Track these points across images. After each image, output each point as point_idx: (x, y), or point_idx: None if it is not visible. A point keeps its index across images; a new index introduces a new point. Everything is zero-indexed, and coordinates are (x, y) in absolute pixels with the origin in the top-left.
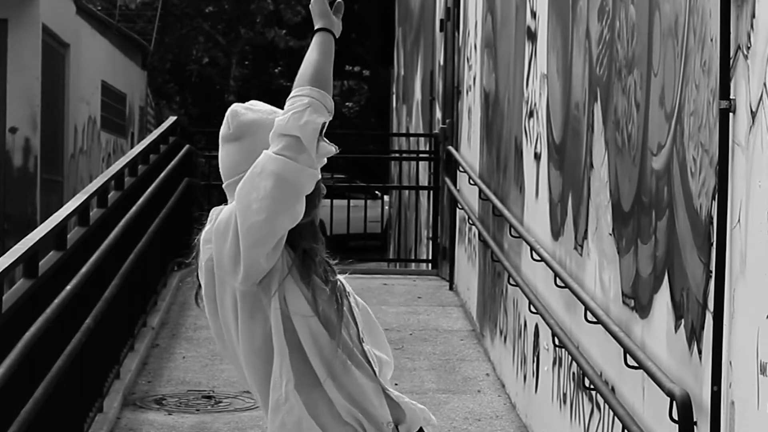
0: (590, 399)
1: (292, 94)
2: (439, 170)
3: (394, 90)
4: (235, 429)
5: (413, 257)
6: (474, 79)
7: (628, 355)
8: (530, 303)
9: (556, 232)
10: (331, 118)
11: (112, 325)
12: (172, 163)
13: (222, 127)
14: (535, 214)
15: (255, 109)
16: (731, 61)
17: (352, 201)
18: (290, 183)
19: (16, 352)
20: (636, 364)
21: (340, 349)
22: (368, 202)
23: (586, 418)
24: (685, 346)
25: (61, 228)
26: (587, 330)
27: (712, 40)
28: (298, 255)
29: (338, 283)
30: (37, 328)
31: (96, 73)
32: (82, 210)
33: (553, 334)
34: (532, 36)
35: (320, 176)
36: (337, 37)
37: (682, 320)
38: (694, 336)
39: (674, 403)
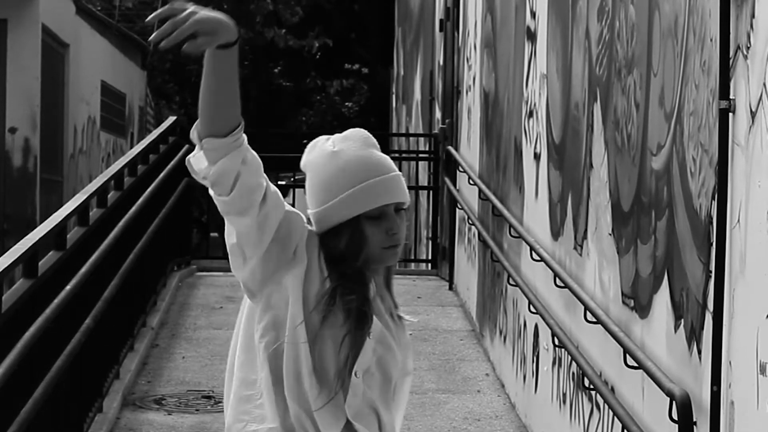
0: (590, 399)
1: None
2: (438, 170)
3: (394, 90)
4: None
5: (413, 257)
6: (474, 79)
7: (627, 355)
8: (530, 303)
9: (556, 232)
10: (204, 143)
11: (111, 325)
12: (172, 163)
13: None
14: (534, 214)
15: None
16: (731, 61)
17: None
18: (222, 210)
19: (16, 352)
20: (636, 364)
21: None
22: None
23: (585, 418)
24: (684, 346)
25: (61, 228)
26: (587, 330)
27: (711, 40)
28: (330, 288)
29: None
30: (37, 328)
31: (96, 73)
32: (82, 210)
33: (553, 334)
34: (531, 36)
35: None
36: (235, 38)
37: (682, 320)
38: (693, 336)
39: (674, 403)
